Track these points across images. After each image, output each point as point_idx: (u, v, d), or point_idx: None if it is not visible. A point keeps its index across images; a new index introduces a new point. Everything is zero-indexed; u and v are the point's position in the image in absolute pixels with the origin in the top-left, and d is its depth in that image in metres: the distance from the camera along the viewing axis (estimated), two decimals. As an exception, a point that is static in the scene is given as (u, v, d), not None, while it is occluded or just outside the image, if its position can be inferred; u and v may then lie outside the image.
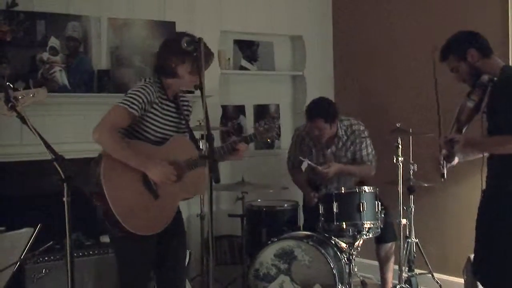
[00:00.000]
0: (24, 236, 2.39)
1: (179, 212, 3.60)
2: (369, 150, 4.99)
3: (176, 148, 3.45)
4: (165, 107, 3.47)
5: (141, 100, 3.33)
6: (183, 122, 3.55)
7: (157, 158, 3.35)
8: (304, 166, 4.90)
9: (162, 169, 3.31)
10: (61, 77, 4.85)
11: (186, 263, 4.78)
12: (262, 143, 6.09)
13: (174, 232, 3.53)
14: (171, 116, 3.50)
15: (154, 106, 3.40)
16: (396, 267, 4.86)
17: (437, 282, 5.01)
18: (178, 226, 3.61)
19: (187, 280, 4.71)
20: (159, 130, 3.43)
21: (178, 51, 3.32)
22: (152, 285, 3.68)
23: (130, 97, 3.34)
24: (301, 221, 5.03)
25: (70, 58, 4.93)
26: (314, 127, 4.84)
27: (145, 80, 3.46)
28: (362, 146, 4.96)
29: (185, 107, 3.62)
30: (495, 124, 3.37)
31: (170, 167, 3.34)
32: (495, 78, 3.38)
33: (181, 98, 3.61)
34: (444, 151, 3.45)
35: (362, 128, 5.00)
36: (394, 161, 4.66)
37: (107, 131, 3.25)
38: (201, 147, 3.66)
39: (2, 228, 2.33)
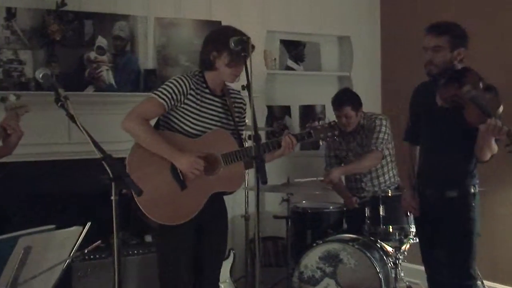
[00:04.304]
0: (73, 234, 2.42)
1: (221, 204, 3.62)
2: (381, 135, 4.89)
3: (214, 141, 3.44)
4: (206, 100, 3.47)
5: (171, 91, 3.38)
6: (231, 119, 3.55)
7: (190, 149, 3.36)
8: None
9: (189, 159, 3.31)
10: (108, 76, 4.92)
11: (230, 265, 4.82)
12: (307, 144, 6.08)
13: (214, 222, 3.55)
14: (216, 111, 3.50)
15: (190, 97, 3.41)
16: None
17: (487, 291, 4.94)
18: (220, 217, 3.63)
19: (231, 281, 4.74)
20: (197, 122, 3.44)
21: (215, 44, 3.40)
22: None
23: (163, 88, 3.41)
24: (346, 224, 5.00)
25: (117, 57, 5.00)
26: (342, 115, 4.93)
27: (183, 73, 3.51)
28: (377, 129, 4.92)
29: (236, 104, 3.63)
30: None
31: (198, 158, 3.33)
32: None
33: (232, 95, 3.62)
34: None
35: (381, 116, 5.03)
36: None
37: (135, 119, 3.34)
38: (245, 144, 3.64)
39: (52, 226, 2.36)
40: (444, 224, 3.63)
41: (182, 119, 3.44)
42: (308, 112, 6.19)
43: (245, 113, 3.71)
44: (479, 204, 3.65)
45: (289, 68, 6.12)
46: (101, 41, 4.92)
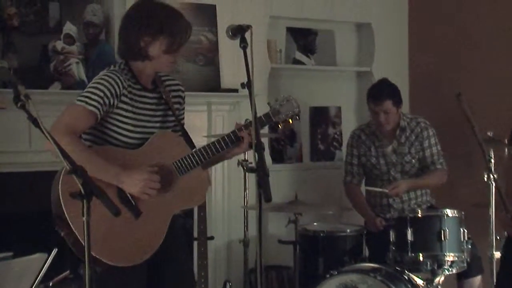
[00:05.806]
0: (35, 263, 2.40)
1: (176, 226, 3.51)
2: (439, 148, 5.05)
3: (160, 147, 3.35)
4: (139, 99, 3.36)
5: (102, 94, 3.23)
6: (170, 113, 3.47)
7: (135, 164, 3.25)
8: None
9: (141, 177, 3.19)
10: (78, 70, 4.91)
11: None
12: (318, 154, 6.07)
13: (170, 251, 3.41)
14: (152, 110, 3.40)
15: (123, 99, 3.29)
16: (486, 310, 4.79)
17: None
18: (176, 242, 3.51)
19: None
20: (135, 129, 3.33)
21: (147, 26, 3.29)
22: None
23: (90, 91, 3.25)
24: (366, 250, 4.99)
25: (89, 47, 5.00)
26: (381, 111, 4.98)
27: (109, 68, 3.38)
28: (431, 142, 5.04)
29: (174, 93, 3.52)
30: None
31: (151, 174, 3.23)
32: None
33: (166, 83, 3.51)
34: None
35: (428, 123, 5.11)
36: (485, 178, 4.57)
37: (63, 134, 3.12)
38: (195, 144, 3.51)
39: (9, 254, 2.34)
40: None
41: (116, 128, 3.32)
42: (320, 115, 6.19)
43: (184, 102, 3.61)
44: None
45: (297, 61, 6.12)
46: (69, 27, 4.91)
